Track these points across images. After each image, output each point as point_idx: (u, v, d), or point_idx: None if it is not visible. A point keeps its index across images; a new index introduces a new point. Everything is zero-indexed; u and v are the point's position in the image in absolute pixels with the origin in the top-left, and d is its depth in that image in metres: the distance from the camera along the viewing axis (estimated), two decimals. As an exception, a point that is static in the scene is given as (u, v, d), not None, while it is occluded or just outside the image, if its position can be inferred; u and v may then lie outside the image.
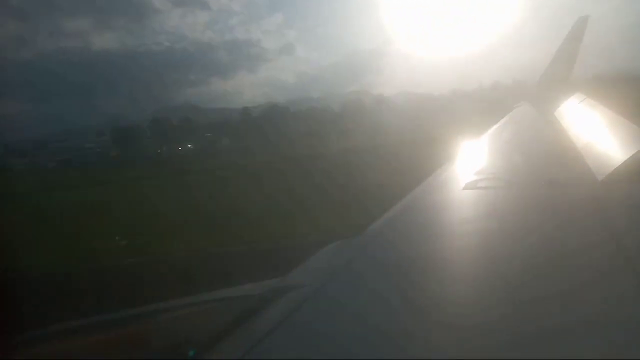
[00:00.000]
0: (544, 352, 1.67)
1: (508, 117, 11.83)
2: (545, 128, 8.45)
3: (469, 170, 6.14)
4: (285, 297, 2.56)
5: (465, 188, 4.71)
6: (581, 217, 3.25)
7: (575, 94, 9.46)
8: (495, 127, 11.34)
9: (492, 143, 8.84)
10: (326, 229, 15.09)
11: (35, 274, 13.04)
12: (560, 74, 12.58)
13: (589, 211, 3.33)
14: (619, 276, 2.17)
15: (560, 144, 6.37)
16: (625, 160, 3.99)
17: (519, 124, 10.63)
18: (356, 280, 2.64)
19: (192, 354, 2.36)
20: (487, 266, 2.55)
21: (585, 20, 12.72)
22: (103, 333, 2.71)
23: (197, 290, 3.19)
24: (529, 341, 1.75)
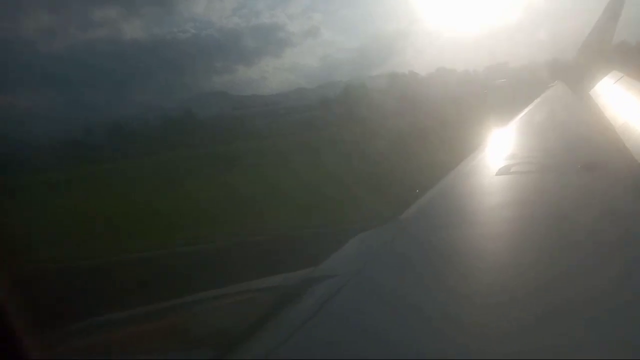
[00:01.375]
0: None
1: (542, 97, 11.55)
2: (580, 109, 8.23)
3: (502, 154, 6.04)
4: (319, 287, 2.58)
5: (498, 174, 4.64)
6: (620, 203, 3.15)
7: (611, 72, 9.16)
8: (529, 107, 11.08)
9: (526, 125, 8.65)
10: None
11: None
12: (596, 50, 12.18)
13: (629, 197, 3.23)
14: None
15: (597, 125, 6.20)
16: None
17: (553, 104, 10.36)
18: (390, 270, 2.64)
19: None
20: (520, 257, 2.51)
21: None
22: (148, 324, 2.79)
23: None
24: (576, 328, 1.73)
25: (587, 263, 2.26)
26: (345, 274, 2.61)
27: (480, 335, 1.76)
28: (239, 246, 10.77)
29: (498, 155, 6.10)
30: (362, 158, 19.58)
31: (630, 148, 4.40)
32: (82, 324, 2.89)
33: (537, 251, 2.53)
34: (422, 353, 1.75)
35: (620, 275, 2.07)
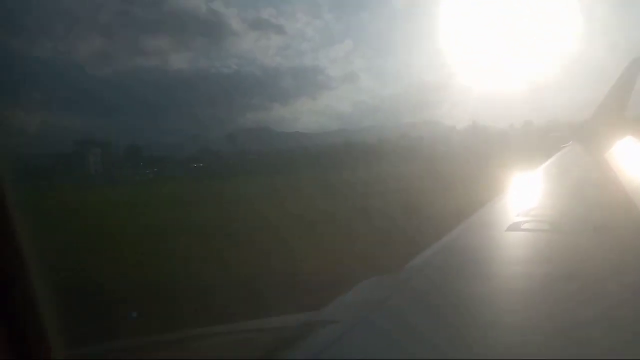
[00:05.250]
0: None
1: (556, 156, 11.56)
2: (594, 170, 8.21)
3: (514, 210, 6.01)
4: (319, 332, 2.55)
5: (508, 230, 4.60)
6: (632, 267, 3.10)
7: (626, 137, 9.18)
8: (544, 165, 11.08)
9: (539, 182, 8.63)
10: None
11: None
12: (611, 114, 12.24)
13: None
14: None
15: (610, 187, 6.16)
16: None
17: (567, 164, 10.37)
18: (391, 319, 2.60)
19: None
20: (526, 316, 2.47)
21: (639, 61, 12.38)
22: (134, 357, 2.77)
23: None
24: None
25: (594, 326, 2.21)
26: (346, 320, 2.58)
27: None
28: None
29: (510, 210, 6.08)
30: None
31: None
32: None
33: (542, 310, 2.48)
34: None
35: (633, 342, 2.02)
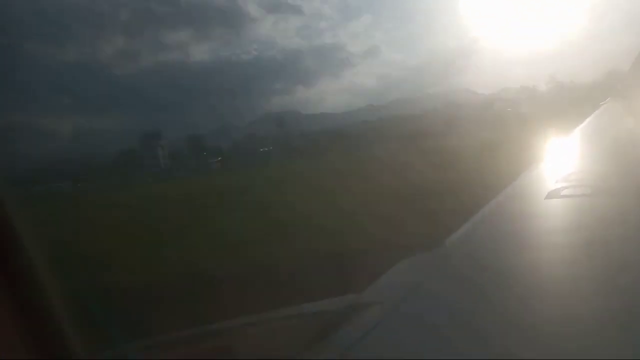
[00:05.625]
0: None
1: (593, 116, 11.21)
2: (634, 129, 7.92)
3: (552, 176, 5.88)
4: (361, 315, 2.56)
5: (547, 197, 4.51)
6: None
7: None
8: (580, 126, 10.76)
9: (577, 145, 8.40)
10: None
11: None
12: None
13: None
14: None
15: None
16: None
17: (605, 124, 10.03)
18: (435, 298, 2.59)
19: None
20: (569, 286, 2.42)
21: None
22: (182, 349, 2.84)
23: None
24: None
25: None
26: (390, 301, 2.58)
27: None
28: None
29: (548, 176, 5.96)
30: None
31: None
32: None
33: (587, 280, 2.43)
34: None
35: None
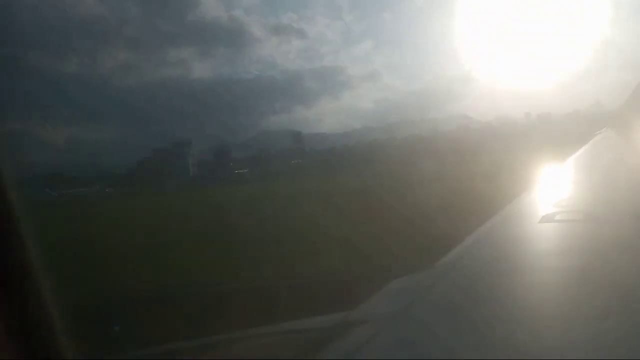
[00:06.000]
0: None
1: (590, 144, 11.27)
2: (629, 158, 7.97)
3: (547, 201, 5.90)
4: (350, 333, 2.53)
5: (541, 221, 4.51)
6: None
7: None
8: (576, 154, 10.81)
9: (572, 172, 8.43)
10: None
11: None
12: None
13: None
14: None
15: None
16: None
17: (600, 152, 10.09)
18: (424, 318, 2.56)
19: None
20: (562, 309, 2.40)
21: None
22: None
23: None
24: None
25: (632, 320, 2.13)
26: (377, 321, 2.55)
27: None
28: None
29: (542, 201, 5.97)
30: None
31: None
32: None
33: (581, 305, 2.41)
34: None
35: None
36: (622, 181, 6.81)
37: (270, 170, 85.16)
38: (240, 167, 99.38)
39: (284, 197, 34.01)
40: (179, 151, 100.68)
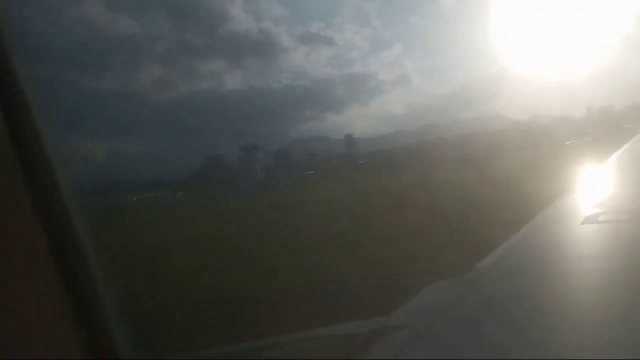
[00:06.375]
0: None
1: (630, 142, 10.93)
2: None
3: (589, 202, 5.75)
4: (388, 338, 2.51)
5: (584, 222, 4.40)
6: None
7: None
8: (617, 153, 10.49)
9: (614, 172, 8.20)
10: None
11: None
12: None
13: None
14: None
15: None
16: None
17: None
18: (463, 322, 2.52)
19: None
20: (606, 310, 2.32)
21: None
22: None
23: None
24: None
25: None
26: (415, 326, 2.52)
27: None
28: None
29: (584, 202, 5.83)
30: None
31: None
32: None
33: (622, 303, 2.33)
34: None
35: None
36: None
37: (330, 172, 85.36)
38: (302, 170, 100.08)
39: (371, 195, 33.31)
40: (247, 155, 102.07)
